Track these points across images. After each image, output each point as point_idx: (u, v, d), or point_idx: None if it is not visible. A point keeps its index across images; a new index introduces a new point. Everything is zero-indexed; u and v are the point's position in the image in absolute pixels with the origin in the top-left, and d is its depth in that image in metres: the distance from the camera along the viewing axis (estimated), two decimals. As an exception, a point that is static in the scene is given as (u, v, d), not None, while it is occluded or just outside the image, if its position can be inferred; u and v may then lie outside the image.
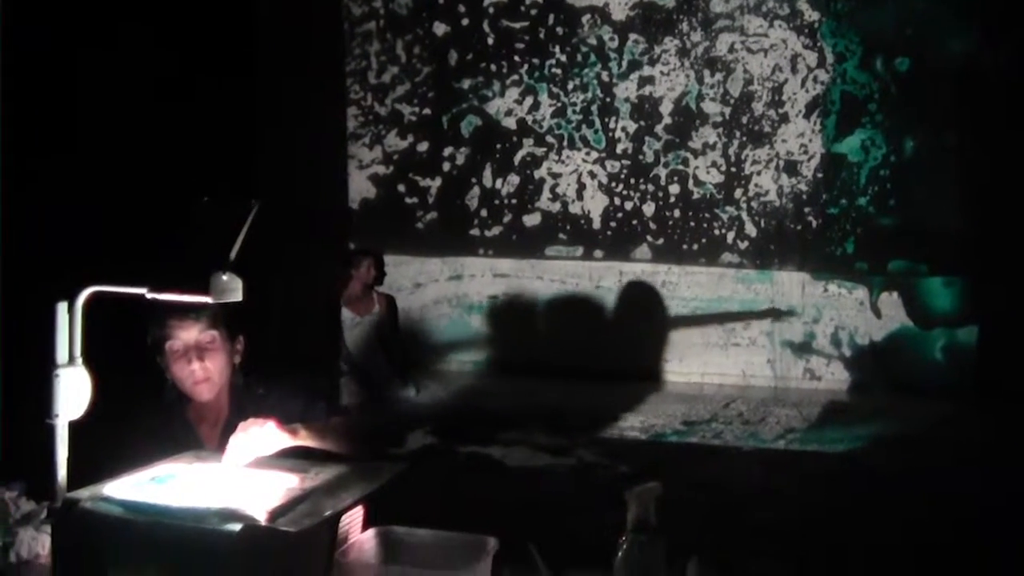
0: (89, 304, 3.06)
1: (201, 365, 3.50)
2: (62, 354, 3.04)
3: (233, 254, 2.93)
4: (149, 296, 3.03)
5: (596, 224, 11.59)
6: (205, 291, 2.94)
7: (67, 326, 3.04)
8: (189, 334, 3.48)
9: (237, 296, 3.00)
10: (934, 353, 11.02)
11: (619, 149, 11.52)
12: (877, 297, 11.14)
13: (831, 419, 9.93)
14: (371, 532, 2.93)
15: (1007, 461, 8.12)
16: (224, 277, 2.94)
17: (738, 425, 9.68)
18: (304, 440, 3.21)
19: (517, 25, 11.66)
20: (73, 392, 3.05)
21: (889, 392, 10.60)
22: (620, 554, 2.44)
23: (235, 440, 3.06)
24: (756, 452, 8.86)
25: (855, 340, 11.20)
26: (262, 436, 3.08)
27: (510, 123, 11.68)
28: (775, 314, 11.22)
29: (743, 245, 11.36)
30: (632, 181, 11.52)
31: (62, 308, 3.03)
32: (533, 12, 11.63)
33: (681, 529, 2.52)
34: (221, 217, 2.99)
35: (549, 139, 11.64)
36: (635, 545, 2.43)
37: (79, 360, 3.07)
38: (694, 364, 11.36)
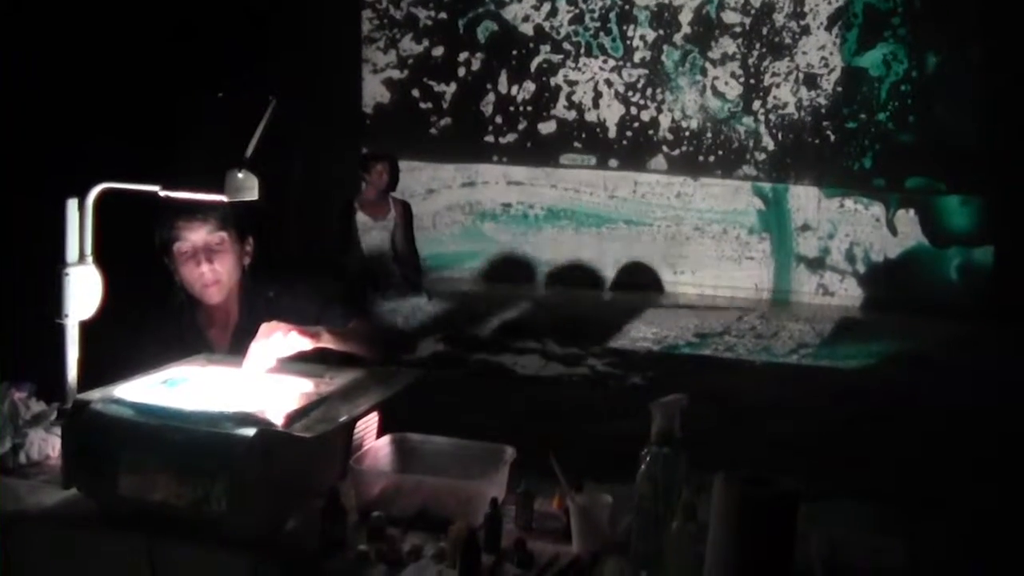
0: (100, 201, 2.98)
1: (210, 267, 3.42)
2: (72, 252, 2.97)
3: (249, 151, 2.84)
4: (162, 194, 2.95)
5: (612, 133, 11.47)
6: (220, 189, 2.86)
7: (77, 223, 2.97)
8: (197, 235, 3.39)
9: (253, 195, 2.92)
10: (949, 272, 10.95)
11: (637, 58, 11.36)
12: (894, 214, 11.04)
13: (844, 335, 9.89)
14: (386, 439, 2.89)
15: (1017, 378, 8.10)
16: (239, 175, 2.85)
17: (751, 339, 9.64)
18: (326, 343, 3.15)
19: (536, -73, 11.47)
20: (83, 291, 2.98)
21: (902, 310, 10.54)
22: (643, 467, 2.39)
23: (256, 344, 3.00)
24: (769, 366, 8.83)
25: (870, 257, 11.13)
26: (284, 340, 3.01)
27: (527, 29, 11.51)
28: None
29: (760, 158, 11.24)
30: (649, 91, 11.37)
31: (72, 205, 2.96)
32: (553, -86, 11.42)
33: (695, 441, 2.46)
34: (237, 113, 2.90)
35: (566, 46, 11.48)
36: (658, 458, 2.37)
37: (89, 259, 3.00)
38: (707, 277, 11.30)
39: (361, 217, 8.60)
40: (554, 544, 2.54)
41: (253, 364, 2.98)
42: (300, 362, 3.06)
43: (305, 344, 3.06)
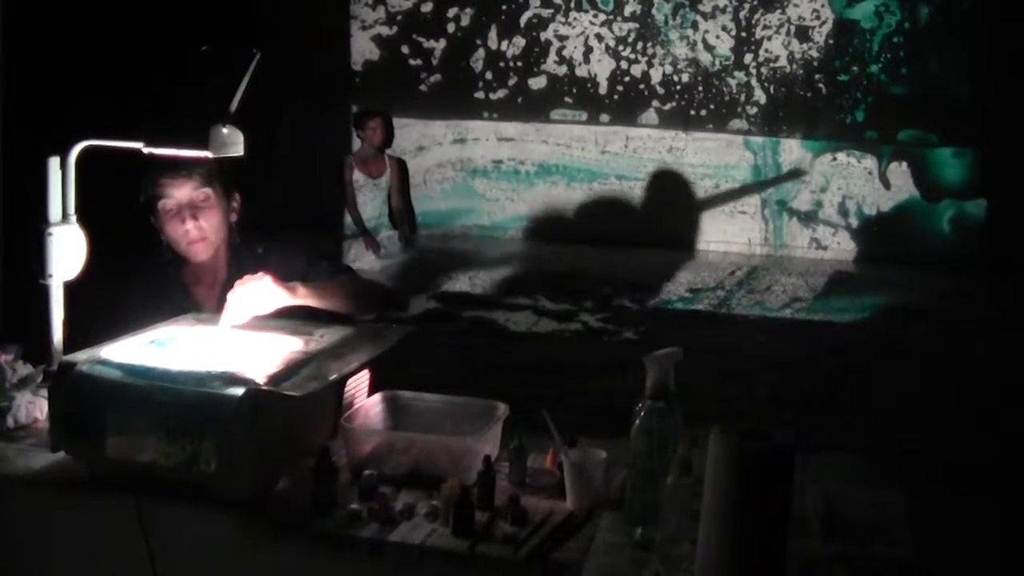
0: (83, 159, 2.93)
1: (195, 224, 3.36)
2: (55, 212, 2.92)
3: (234, 106, 2.79)
4: (146, 150, 2.90)
5: (603, 88, 11.40)
6: (205, 145, 2.81)
7: (60, 182, 2.92)
8: (182, 192, 3.34)
9: (238, 150, 2.87)
10: (941, 225, 10.93)
11: (627, 12, 11.28)
12: (886, 167, 11.00)
13: (837, 288, 9.88)
14: (377, 396, 2.86)
15: (1012, 331, 8.11)
16: (224, 130, 2.80)
17: (744, 293, 9.62)
18: (303, 298, 3.10)
19: None
20: (67, 251, 2.94)
21: (895, 263, 10.52)
22: (637, 422, 2.36)
23: (232, 297, 2.96)
24: (763, 320, 8.81)
25: (862, 210, 11.10)
26: (259, 292, 2.97)
27: (516, -17, 11.42)
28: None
29: (752, 111, 11.18)
30: (640, 45, 11.29)
31: (54, 163, 2.91)
32: None
33: (689, 395, 2.43)
34: (221, 67, 2.85)
35: (556, 0, 11.38)
36: (653, 412, 2.34)
37: (73, 218, 2.96)
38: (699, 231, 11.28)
39: (356, 174, 8.57)
40: (548, 500, 2.51)
41: (230, 317, 2.94)
42: (289, 320, 3.02)
43: (281, 297, 3.02)
